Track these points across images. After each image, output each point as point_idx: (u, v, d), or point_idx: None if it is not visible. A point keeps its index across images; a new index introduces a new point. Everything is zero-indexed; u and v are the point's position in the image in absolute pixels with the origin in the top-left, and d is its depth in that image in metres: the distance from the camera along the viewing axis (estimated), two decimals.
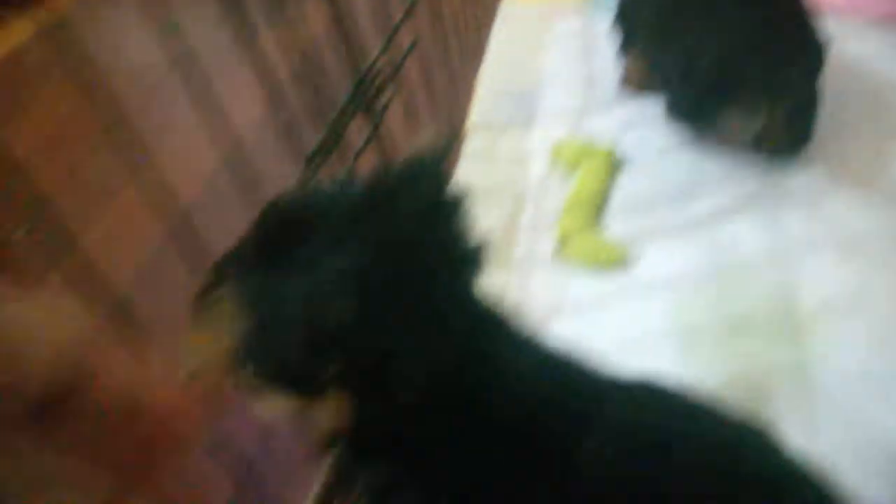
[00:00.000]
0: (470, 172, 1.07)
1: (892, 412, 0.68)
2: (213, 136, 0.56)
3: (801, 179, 0.96)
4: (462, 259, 0.42)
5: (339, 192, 0.42)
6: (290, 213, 0.40)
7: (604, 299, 0.79)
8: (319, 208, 0.40)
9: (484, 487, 0.41)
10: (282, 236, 0.39)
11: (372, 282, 0.36)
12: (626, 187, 0.99)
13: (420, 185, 0.42)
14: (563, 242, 0.88)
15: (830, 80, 0.96)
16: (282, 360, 0.38)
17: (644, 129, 1.07)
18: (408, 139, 0.92)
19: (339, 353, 0.36)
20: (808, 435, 0.57)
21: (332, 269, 0.36)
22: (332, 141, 0.75)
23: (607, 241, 0.87)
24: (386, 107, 0.86)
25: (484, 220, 0.97)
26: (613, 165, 1.00)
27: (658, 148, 1.03)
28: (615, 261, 0.85)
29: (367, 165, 0.82)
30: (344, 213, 0.39)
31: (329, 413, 0.39)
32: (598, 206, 0.95)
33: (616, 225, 0.93)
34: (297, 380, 0.39)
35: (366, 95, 0.81)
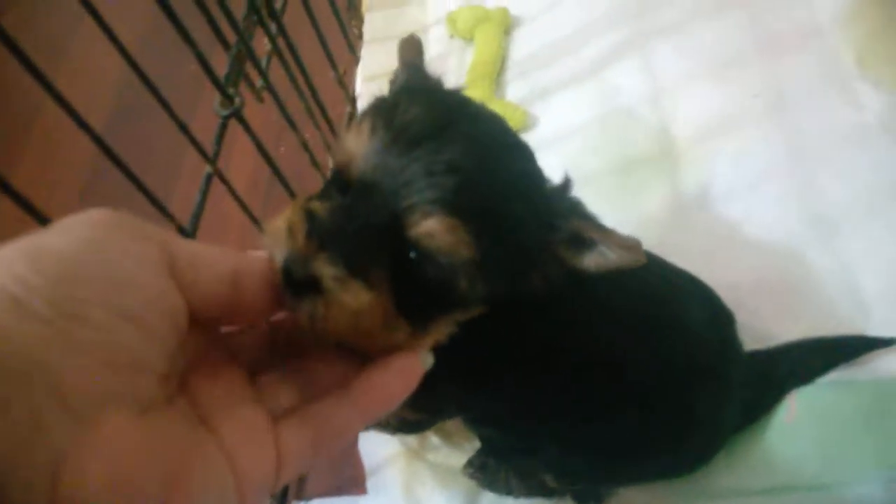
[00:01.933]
0: (373, 53, 1.11)
1: (747, 216, 0.84)
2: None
3: (670, 13, 1.04)
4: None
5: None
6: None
7: None
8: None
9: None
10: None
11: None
12: (520, 48, 1.06)
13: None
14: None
15: None
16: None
17: None
18: (309, 39, 0.94)
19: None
20: (682, 246, 0.72)
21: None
22: (243, 55, 0.78)
23: (509, 107, 0.96)
24: (283, 10, 0.87)
25: None
26: (506, 27, 1.06)
27: (546, 3, 1.09)
28: (519, 125, 0.94)
29: (276, 75, 0.84)
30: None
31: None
32: (496, 72, 1.02)
33: (514, 90, 1.01)
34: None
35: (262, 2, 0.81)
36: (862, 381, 0.72)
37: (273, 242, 0.33)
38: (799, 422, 0.70)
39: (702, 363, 0.59)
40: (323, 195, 0.38)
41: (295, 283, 0.32)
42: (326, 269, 0.32)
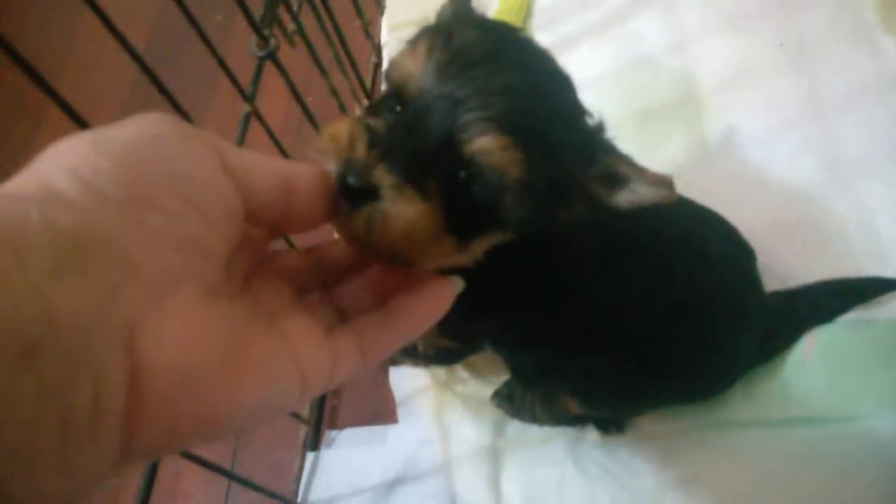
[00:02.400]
0: (397, 2, 1.12)
1: (769, 162, 0.86)
2: None
3: None
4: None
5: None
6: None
7: None
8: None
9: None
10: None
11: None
12: None
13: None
14: None
15: None
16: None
17: None
18: None
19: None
20: (705, 191, 0.74)
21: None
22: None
23: None
24: None
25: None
26: None
27: None
28: None
29: (305, 25, 0.85)
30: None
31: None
32: (521, 20, 1.03)
33: (540, 38, 1.01)
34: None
35: None
36: (879, 320, 0.74)
37: (330, 150, 0.34)
38: (816, 358, 0.73)
39: (723, 292, 0.62)
40: (375, 112, 0.39)
41: (352, 191, 0.33)
42: (386, 178, 0.33)
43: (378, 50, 1.11)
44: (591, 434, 0.74)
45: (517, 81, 0.37)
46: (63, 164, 0.24)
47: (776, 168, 0.86)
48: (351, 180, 0.33)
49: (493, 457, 0.75)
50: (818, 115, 0.88)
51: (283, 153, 0.77)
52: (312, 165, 0.33)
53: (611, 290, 0.55)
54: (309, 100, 0.93)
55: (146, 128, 0.27)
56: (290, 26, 0.84)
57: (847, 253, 0.79)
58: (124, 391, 0.22)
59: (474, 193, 0.37)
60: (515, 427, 0.76)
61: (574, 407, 0.68)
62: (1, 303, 0.19)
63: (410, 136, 0.35)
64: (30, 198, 0.22)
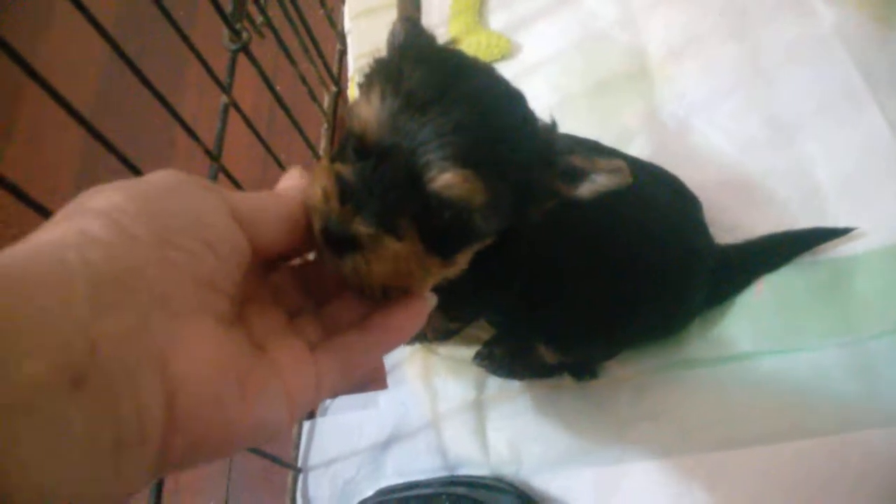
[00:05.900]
0: None
1: (714, 124, 0.93)
2: None
3: None
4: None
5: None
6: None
7: None
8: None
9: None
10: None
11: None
12: None
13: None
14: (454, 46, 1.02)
15: None
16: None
17: None
18: None
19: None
20: (658, 155, 0.81)
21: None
22: None
23: (493, 36, 1.02)
24: None
25: (377, 38, 1.09)
26: None
27: None
28: (503, 52, 1.01)
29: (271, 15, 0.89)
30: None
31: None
32: (479, 2, 1.07)
33: (497, 20, 1.07)
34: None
35: None
36: (820, 261, 0.82)
37: (310, 206, 0.38)
38: (765, 298, 0.80)
39: (673, 233, 0.69)
40: (342, 157, 0.42)
41: (335, 241, 0.37)
42: (362, 229, 0.37)
43: (342, 37, 1.14)
44: (567, 382, 0.81)
45: (468, 114, 0.40)
46: (93, 208, 0.27)
47: (722, 129, 0.92)
48: (333, 232, 0.37)
49: (478, 410, 0.81)
50: (758, 78, 0.95)
51: (262, 141, 0.81)
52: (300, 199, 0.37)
53: (576, 247, 0.61)
54: (278, 87, 0.98)
55: (165, 179, 0.31)
56: (259, 18, 0.87)
57: (788, 204, 0.86)
58: (162, 409, 0.25)
59: (447, 218, 0.41)
60: (496, 382, 0.82)
61: (550, 356, 0.75)
62: (53, 339, 0.22)
63: (378, 183, 0.39)
64: (66, 240, 0.25)
